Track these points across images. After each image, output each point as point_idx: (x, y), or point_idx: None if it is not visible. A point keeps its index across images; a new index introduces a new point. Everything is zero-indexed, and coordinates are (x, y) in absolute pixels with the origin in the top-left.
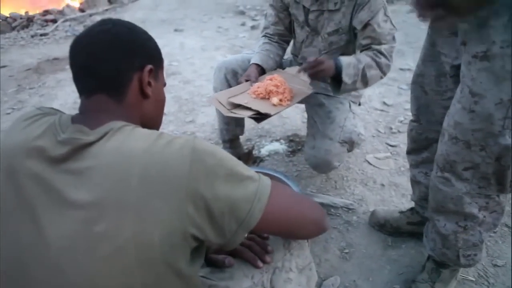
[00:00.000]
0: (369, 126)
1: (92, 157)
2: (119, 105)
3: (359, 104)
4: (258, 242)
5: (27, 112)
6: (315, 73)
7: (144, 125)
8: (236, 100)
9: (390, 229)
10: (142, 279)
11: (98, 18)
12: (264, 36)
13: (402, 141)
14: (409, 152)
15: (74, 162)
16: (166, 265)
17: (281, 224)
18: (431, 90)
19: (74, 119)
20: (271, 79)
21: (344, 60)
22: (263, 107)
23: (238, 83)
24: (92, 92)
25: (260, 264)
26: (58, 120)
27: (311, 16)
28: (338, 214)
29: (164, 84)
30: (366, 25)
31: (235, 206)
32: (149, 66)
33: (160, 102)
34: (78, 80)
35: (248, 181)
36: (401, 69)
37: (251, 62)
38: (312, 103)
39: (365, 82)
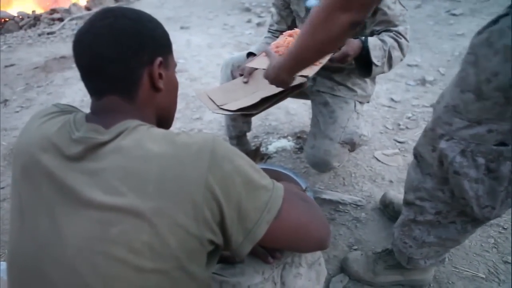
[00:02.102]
0: (377, 122)
1: (107, 158)
2: (131, 104)
3: (368, 101)
4: None
5: (44, 109)
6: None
7: (160, 116)
8: (254, 64)
9: (391, 212)
10: (157, 283)
11: None
12: (268, 31)
13: (410, 138)
14: None
15: (89, 162)
16: (181, 269)
17: (286, 240)
18: None
19: (89, 118)
20: (291, 35)
21: (370, 41)
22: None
23: (233, 77)
24: (102, 94)
25: (270, 259)
26: (73, 118)
27: None
28: (346, 211)
29: (175, 65)
30: (376, 11)
31: (244, 215)
32: (159, 59)
33: (173, 90)
34: (86, 81)
35: (262, 190)
36: (409, 65)
37: (247, 51)
38: (317, 102)
39: (390, 65)
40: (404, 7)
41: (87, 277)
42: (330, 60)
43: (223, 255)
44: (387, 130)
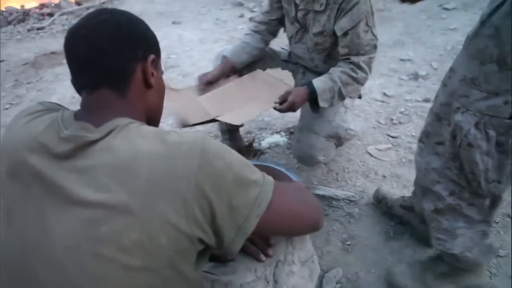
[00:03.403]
0: (370, 117)
1: (97, 156)
2: (123, 100)
3: (360, 97)
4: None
5: (29, 107)
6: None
7: (148, 116)
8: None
9: (384, 207)
10: (147, 282)
11: None
12: (250, 29)
13: (403, 132)
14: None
15: (78, 160)
16: (172, 268)
17: (278, 228)
18: None
19: (77, 116)
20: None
21: (319, 86)
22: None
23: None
24: (95, 86)
25: (263, 257)
26: (61, 116)
27: (300, 14)
28: (339, 206)
29: (162, 72)
30: (346, 34)
31: (235, 211)
32: (152, 56)
33: (162, 91)
34: (79, 74)
35: (253, 185)
36: (401, 60)
37: (221, 54)
38: None
39: (342, 98)
40: (375, 36)
41: (75, 277)
42: (279, 110)
43: (214, 253)
44: (380, 125)
